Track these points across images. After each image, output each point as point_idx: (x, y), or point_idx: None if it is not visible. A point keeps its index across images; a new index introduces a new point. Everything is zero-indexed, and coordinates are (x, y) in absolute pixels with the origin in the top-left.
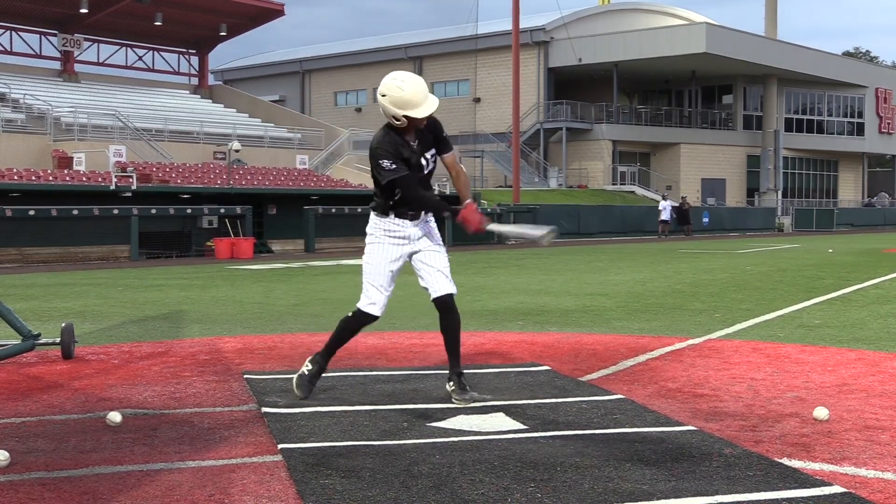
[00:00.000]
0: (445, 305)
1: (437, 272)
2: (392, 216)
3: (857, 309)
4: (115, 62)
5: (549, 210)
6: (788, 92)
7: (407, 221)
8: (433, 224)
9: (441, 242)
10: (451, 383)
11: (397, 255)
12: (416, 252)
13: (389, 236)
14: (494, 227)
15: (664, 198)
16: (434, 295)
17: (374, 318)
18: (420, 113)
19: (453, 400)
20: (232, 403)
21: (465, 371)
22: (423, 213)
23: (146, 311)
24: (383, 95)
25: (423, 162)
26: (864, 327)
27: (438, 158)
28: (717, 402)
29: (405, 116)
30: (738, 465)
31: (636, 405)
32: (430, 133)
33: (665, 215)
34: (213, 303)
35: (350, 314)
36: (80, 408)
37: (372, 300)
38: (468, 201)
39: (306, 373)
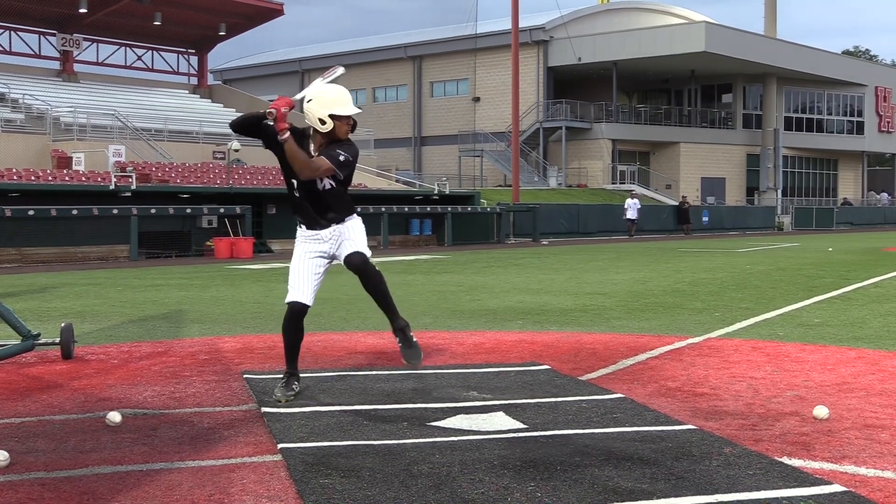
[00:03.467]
0: (358, 267)
1: (349, 250)
2: (304, 228)
3: (857, 307)
4: (115, 62)
5: (548, 209)
6: (788, 91)
7: (316, 231)
8: (352, 230)
9: (360, 241)
10: (397, 340)
11: (312, 249)
12: (337, 258)
13: (306, 237)
14: (299, 95)
15: (631, 195)
16: (344, 258)
17: (300, 305)
18: (348, 110)
19: (403, 360)
20: (232, 403)
21: (469, 364)
22: (334, 223)
23: (146, 311)
24: (309, 101)
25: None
26: (864, 326)
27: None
28: (716, 400)
29: (330, 116)
30: (738, 463)
31: (636, 404)
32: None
33: (630, 214)
34: (212, 302)
35: None
36: (80, 408)
37: (291, 288)
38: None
39: (280, 379)
